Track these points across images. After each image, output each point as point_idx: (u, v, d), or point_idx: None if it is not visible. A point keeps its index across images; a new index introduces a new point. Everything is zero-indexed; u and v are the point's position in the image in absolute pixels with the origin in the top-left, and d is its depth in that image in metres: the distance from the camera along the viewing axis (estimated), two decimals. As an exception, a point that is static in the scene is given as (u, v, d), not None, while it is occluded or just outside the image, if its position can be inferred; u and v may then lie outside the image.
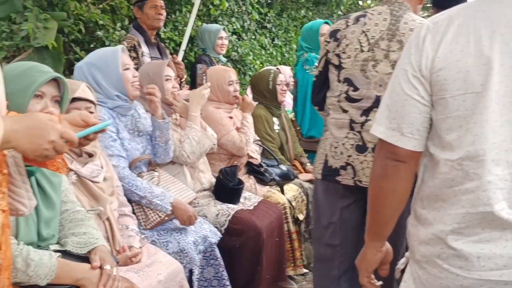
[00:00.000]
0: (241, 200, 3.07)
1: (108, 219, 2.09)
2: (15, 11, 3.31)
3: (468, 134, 1.21)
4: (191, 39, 4.89)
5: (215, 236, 2.64)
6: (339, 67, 2.18)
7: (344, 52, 2.15)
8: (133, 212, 2.46)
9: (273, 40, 6.93)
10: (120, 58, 2.47)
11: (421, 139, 1.30)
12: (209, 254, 2.59)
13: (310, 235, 3.72)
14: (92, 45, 3.74)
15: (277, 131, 3.91)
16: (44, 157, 1.15)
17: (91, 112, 2.10)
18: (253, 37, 6.27)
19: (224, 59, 4.53)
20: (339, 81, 2.20)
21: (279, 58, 6.92)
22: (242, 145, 3.35)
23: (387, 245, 1.52)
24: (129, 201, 2.46)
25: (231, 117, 3.48)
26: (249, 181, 3.44)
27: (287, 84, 4.00)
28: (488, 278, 1.20)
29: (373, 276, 1.54)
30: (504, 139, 1.18)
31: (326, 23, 4.26)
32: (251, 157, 3.55)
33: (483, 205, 1.19)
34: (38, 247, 1.59)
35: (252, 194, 3.24)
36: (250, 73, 6.11)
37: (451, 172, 1.24)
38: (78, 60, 3.69)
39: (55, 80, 1.66)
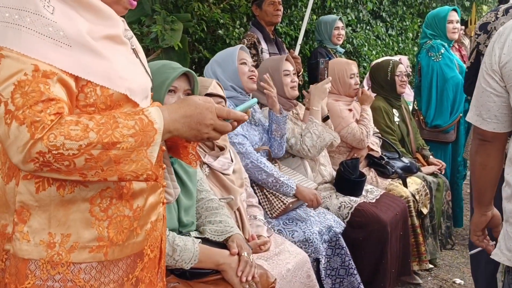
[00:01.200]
0: (363, 193, 3.04)
1: (238, 209, 2.18)
2: (144, 14, 3.56)
3: None
4: (306, 33, 4.93)
5: (339, 226, 2.66)
6: None
7: None
8: (258, 202, 2.55)
9: (387, 30, 6.74)
10: (238, 53, 2.61)
11: (499, 123, 1.57)
12: (334, 243, 2.61)
13: (434, 230, 3.60)
14: (213, 44, 3.91)
15: (397, 123, 3.81)
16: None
17: (221, 107, 2.21)
18: (368, 27, 6.15)
19: (341, 50, 4.48)
20: None
21: (395, 48, 6.72)
22: (363, 137, 3.31)
23: (494, 211, 1.76)
24: (255, 191, 2.56)
25: (350, 110, 3.46)
26: (370, 174, 3.40)
27: (408, 75, 3.87)
28: None
29: (488, 238, 1.79)
30: None
31: (455, 10, 4.07)
32: (372, 150, 3.50)
33: None
34: (180, 233, 1.71)
35: (374, 187, 3.20)
36: (365, 64, 6.00)
37: None
38: (201, 58, 3.90)
39: (185, 76, 1.77)
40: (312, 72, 4.31)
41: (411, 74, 4.60)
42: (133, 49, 1.21)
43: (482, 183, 1.69)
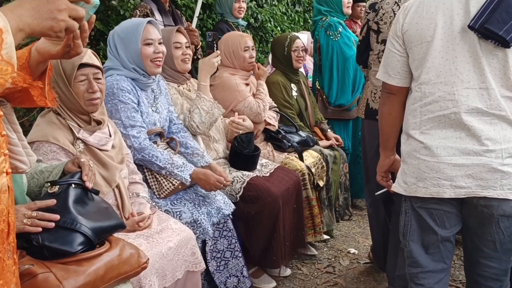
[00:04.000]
0: (258, 167, 3.03)
1: (117, 186, 2.08)
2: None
3: (424, 68, 1.85)
4: (209, 6, 4.81)
5: (228, 208, 2.62)
6: (377, 32, 2.78)
7: (381, 20, 2.74)
8: (146, 181, 2.46)
9: (294, 5, 6.76)
10: (143, 32, 2.45)
11: (402, 79, 1.95)
12: (222, 225, 2.58)
13: (330, 202, 3.69)
14: (107, 15, 3.70)
15: (295, 97, 3.83)
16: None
17: (98, 79, 2.08)
18: (274, 2, 6.13)
19: (244, 23, 4.39)
20: (377, 42, 2.80)
21: (302, 24, 6.76)
22: (260, 111, 3.30)
23: (396, 157, 2.16)
24: (142, 169, 2.46)
25: (247, 84, 3.43)
26: (266, 148, 3.41)
27: (305, 50, 3.88)
28: (443, 161, 1.79)
29: (391, 180, 2.19)
30: (449, 68, 1.80)
31: None
32: (269, 124, 3.50)
33: (437, 111, 1.81)
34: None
35: (269, 161, 3.21)
36: (271, 40, 5.98)
37: (416, 94, 1.88)
38: (92, 29, 3.68)
39: None
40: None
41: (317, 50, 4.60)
42: None
43: (388, 130, 2.09)
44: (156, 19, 3.46)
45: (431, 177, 1.80)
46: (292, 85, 3.85)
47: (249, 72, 3.42)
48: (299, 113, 3.84)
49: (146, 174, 2.48)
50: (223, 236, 2.58)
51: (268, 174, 2.99)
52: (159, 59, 2.50)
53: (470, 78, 1.76)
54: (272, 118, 3.54)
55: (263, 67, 3.52)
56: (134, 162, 2.39)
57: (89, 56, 2.06)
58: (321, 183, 3.55)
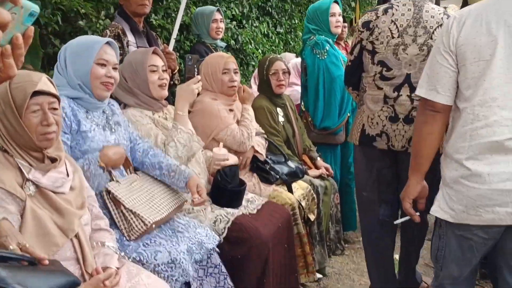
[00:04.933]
0: (243, 203, 2.70)
1: (77, 235, 1.73)
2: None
3: (480, 88, 1.76)
4: (187, 27, 4.52)
5: (212, 241, 2.29)
6: (372, 52, 2.57)
7: (377, 39, 2.54)
8: (113, 221, 2.11)
9: (275, 27, 6.53)
10: (99, 50, 2.14)
11: (451, 96, 1.86)
12: (206, 261, 2.24)
13: (321, 237, 3.37)
14: (74, 36, 3.37)
15: (281, 123, 3.53)
16: None
17: (55, 109, 1.75)
18: (255, 24, 5.88)
19: (223, 44, 4.11)
20: (373, 63, 2.58)
21: (282, 47, 6.52)
22: (243, 139, 2.99)
23: (424, 183, 2.06)
24: (107, 206, 2.11)
25: (231, 110, 3.12)
26: (252, 180, 3.08)
27: (288, 73, 3.59)
28: (496, 188, 1.73)
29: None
30: (508, 91, 1.71)
31: (336, 2, 3.86)
32: (257, 152, 3.18)
33: (491, 136, 1.73)
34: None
35: (256, 196, 2.87)
36: (253, 63, 5.72)
37: (467, 116, 1.79)
38: (57, 53, 3.36)
39: None
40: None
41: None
42: None
43: (426, 152, 1.96)
44: (128, 40, 3.16)
45: (484, 205, 1.75)
46: (278, 109, 3.56)
47: (231, 97, 3.12)
48: (286, 140, 3.54)
49: (113, 212, 2.13)
50: (209, 274, 2.23)
51: (255, 211, 2.66)
52: (110, 83, 2.17)
53: None
54: (260, 145, 3.22)
55: (249, 90, 3.22)
56: None
57: (44, 82, 1.73)
58: (312, 217, 3.23)
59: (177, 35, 3.77)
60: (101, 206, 2.07)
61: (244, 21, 5.59)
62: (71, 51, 2.17)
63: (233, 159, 2.80)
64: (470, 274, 1.94)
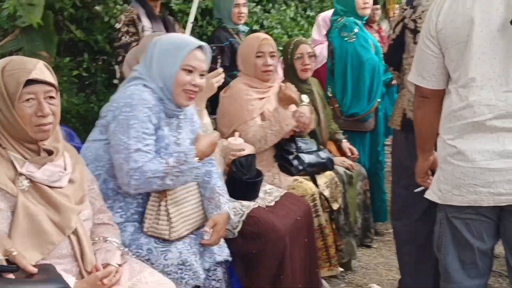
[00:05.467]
0: (261, 195, 2.57)
1: (75, 232, 1.64)
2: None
3: (462, 70, 1.76)
4: (210, 12, 4.39)
5: (222, 253, 2.14)
6: (414, 31, 2.44)
7: (420, 18, 2.41)
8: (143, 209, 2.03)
9: (305, 10, 6.31)
10: (188, 54, 1.98)
11: (437, 81, 1.87)
12: (212, 273, 2.11)
13: (351, 228, 3.20)
14: (91, 22, 3.31)
15: (305, 111, 3.35)
16: None
17: (51, 97, 1.65)
18: (282, 7, 5.68)
19: (245, 28, 3.94)
20: (415, 43, 2.40)
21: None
22: (254, 141, 2.78)
23: (436, 155, 2.01)
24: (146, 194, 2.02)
25: (262, 98, 2.95)
26: (271, 171, 2.91)
27: (313, 56, 3.40)
28: (479, 166, 1.72)
29: (431, 177, 2.03)
30: (486, 71, 1.71)
31: None
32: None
33: (471, 117, 1.73)
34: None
35: (274, 187, 2.73)
36: (281, 48, 5.53)
37: (452, 97, 1.80)
38: (73, 39, 3.30)
39: None
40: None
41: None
42: None
43: (423, 134, 2.01)
44: (143, 25, 3.07)
45: (467, 184, 1.74)
46: (304, 96, 3.37)
47: (266, 83, 2.95)
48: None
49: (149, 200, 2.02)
50: (210, 286, 2.10)
51: (272, 203, 2.53)
52: (193, 91, 2.03)
53: (509, 80, 1.68)
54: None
55: (290, 91, 2.93)
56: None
57: (39, 70, 1.62)
58: (335, 206, 3.04)
59: (197, 19, 3.64)
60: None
61: (270, 5, 5.40)
62: (160, 49, 2.01)
63: (249, 149, 2.66)
64: (478, 261, 1.85)
